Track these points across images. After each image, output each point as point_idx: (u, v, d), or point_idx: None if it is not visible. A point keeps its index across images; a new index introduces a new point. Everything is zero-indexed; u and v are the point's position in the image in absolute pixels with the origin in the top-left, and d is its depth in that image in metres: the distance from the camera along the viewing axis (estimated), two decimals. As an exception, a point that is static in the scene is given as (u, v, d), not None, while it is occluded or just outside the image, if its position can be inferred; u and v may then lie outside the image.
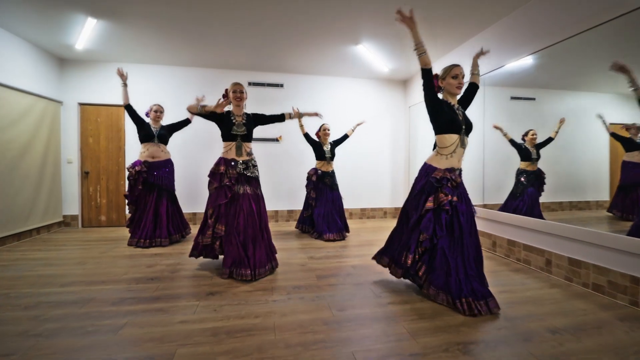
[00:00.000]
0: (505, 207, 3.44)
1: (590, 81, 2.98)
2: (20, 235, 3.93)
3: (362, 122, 4.58)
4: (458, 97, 2.33)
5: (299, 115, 3.47)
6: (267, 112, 5.12)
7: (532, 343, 1.72)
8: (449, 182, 2.16)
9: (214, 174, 2.77)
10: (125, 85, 3.63)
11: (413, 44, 2.17)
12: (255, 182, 2.85)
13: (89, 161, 4.89)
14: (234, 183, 2.72)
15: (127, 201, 3.71)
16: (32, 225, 4.11)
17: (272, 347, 1.67)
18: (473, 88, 2.41)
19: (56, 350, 1.64)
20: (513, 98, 3.60)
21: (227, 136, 2.77)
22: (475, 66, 2.47)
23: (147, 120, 3.82)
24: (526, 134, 3.32)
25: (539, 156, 3.24)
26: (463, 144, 2.20)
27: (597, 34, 2.49)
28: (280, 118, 3.12)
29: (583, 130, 2.98)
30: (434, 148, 2.35)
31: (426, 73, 2.17)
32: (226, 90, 2.79)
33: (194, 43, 4.13)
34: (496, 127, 3.57)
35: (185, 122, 4.04)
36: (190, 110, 2.73)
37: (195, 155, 5.08)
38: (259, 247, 2.69)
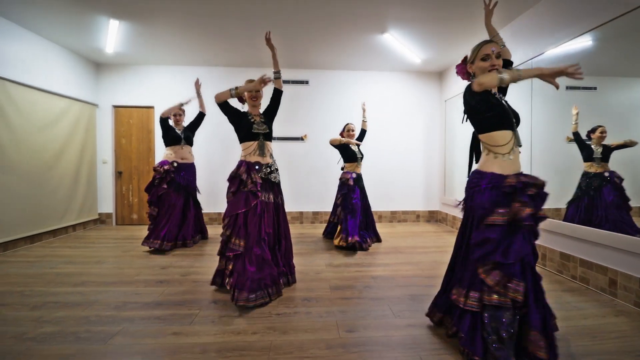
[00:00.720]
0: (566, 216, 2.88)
1: None
2: (55, 232, 4.14)
3: (363, 105, 4.02)
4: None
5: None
6: (294, 110, 4.98)
7: (591, 395, 1.32)
8: (528, 187, 1.49)
9: (233, 178, 2.36)
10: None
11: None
12: (277, 188, 2.51)
13: (122, 161, 5.07)
14: (259, 190, 2.31)
15: (148, 199, 3.67)
16: (67, 222, 4.32)
17: (262, 374, 1.46)
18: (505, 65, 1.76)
19: (45, 357, 1.56)
20: (569, 88, 2.99)
21: (247, 136, 2.40)
22: (492, 32, 1.87)
23: (170, 123, 3.76)
24: (593, 131, 2.74)
25: (604, 156, 2.65)
26: (519, 142, 1.63)
27: None
28: (276, 94, 2.59)
29: None
30: (476, 152, 1.78)
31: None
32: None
33: (214, 42, 4.08)
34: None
35: (201, 117, 3.94)
36: (220, 98, 2.36)
37: (215, 156, 5.06)
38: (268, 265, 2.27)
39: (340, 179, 3.77)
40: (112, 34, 3.75)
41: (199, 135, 4.27)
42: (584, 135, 2.80)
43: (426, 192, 5.42)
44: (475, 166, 1.72)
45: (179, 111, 3.78)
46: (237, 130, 2.46)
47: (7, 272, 2.80)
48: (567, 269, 2.70)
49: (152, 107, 5.01)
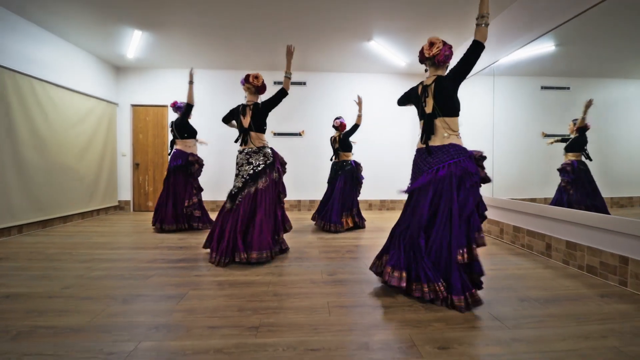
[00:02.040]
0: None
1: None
2: (83, 215, 4.73)
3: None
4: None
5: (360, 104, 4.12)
6: (292, 110, 5.52)
7: (495, 306, 1.86)
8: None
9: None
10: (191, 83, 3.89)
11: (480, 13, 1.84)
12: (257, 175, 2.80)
13: (139, 154, 5.66)
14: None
15: (195, 198, 3.94)
16: (93, 207, 4.91)
17: (263, 295, 2.01)
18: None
19: (96, 289, 2.12)
20: (544, 88, 3.35)
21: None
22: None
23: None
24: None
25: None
26: None
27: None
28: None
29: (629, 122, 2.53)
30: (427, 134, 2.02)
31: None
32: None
33: (221, 47, 4.65)
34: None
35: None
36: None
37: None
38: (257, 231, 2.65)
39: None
40: (134, 42, 4.33)
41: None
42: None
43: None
44: (435, 143, 1.97)
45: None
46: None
47: (53, 242, 3.38)
48: (518, 239, 3.24)
49: (166, 106, 5.59)
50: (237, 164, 2.86)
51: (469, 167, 1.87)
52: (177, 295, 2.00)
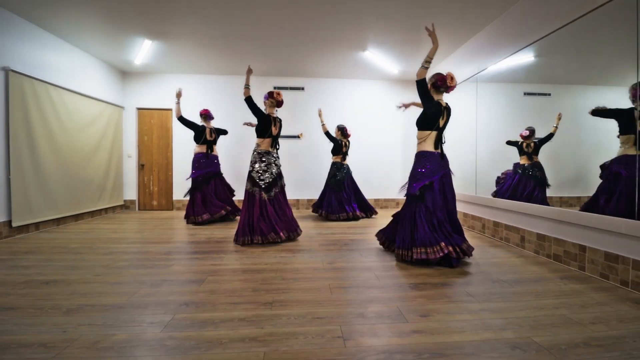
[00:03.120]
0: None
1: (613, 75, 2.69)
2: (93, 213, 4.99)
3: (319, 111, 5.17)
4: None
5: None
6: (292, 112, 5.86)
7: (470, 286, 2.20)
8: None
9: None
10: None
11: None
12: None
13: (144, 155, 5.91)
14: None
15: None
16: (101, 205, 5.16)
17: (273, 279, 2.32)
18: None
19: (125, 276, 2.41)
20: (527, 94, 3.64)
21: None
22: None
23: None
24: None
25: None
26: None
27: (598, 20, 2.52)
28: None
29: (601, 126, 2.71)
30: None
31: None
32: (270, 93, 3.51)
33: (226, 54, 4.95)
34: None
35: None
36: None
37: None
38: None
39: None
40: (143, 50, 4.60)
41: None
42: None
43: (404, 182, 6.30)
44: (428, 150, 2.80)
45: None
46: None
47: (70, 238, 3.64)
48: (497, 233, 3.59)
49: (170, 110, 5.86)
50: (261, 160, 3.40)
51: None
52: (198, 280, 2.30)
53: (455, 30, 3.99)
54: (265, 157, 3.41)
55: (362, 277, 2.38)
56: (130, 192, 5.88)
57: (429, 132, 2.73)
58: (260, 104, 3.84)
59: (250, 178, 3.40)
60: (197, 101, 5.70)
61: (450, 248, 2.55)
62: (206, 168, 4.63)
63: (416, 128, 2.87)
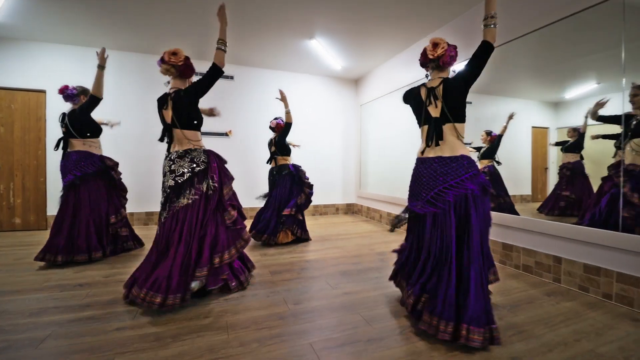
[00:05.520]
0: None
1: (517, 88, 3.30)
2: None
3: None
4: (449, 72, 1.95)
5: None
6: (218, 105, 4.77)
7: (476, 320, 1.84)
8: None
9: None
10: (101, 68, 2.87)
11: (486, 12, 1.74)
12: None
13: (-2, 154, 4.17)
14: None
15: (123, 211, 3.23)
16: None
17: (225, 347, 1.56)
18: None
19: (-50, 375, 1.34)
20: None
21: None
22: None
23: None
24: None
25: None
26: None
27: (521, 45, 2.79)
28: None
29: (511, 132, 3.26)
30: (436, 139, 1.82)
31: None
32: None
33: (133, 26, 3.76)
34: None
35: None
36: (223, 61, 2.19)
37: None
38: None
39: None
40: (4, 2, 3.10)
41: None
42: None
43: (344, 187, 5.98)
44: (445, 152, 1.78)
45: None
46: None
47: None
48: (455, 241, 3.45)
49: (43, 91, 4.25)
50: (162, 173, 2.24)
51: (484, 182, 1.73)
52: (97, 368, 1.39)
53: (408, 27, 3.74)
54: (164, 163, 2.24)
55: (348, 324, 1.79)
56: (-25, 207, 4.07)
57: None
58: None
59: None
60: (81, 81, 4.24)
61: None
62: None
63: (453, 121, 1.80)
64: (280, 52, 4.58)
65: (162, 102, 2.23)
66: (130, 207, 4.19)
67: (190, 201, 2.12)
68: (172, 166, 2.15)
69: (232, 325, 1.77)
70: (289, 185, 3.75)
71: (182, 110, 2.15)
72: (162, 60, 2.18)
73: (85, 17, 3.56)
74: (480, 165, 3.43)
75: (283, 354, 1.50)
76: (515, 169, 3.29)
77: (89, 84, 3.11)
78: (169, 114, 2.17)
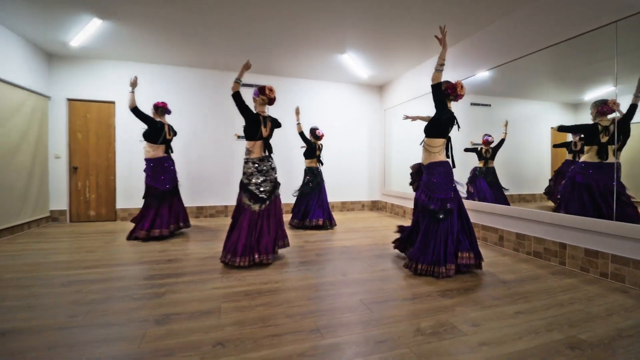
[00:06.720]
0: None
1: (537, 91, 3.64)
2: (13, 229, 3.95)
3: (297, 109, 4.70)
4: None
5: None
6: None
7: (488, 289, 2.31)
8: None
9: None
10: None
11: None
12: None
13: (77, 156, 4.92)
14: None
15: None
16: (23, 219, 4.14)
17: (298, 300, 2.10)
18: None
19: (114, 310, 1.94)
20: (473, 104, 4.19)
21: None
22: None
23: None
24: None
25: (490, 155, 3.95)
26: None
27: (542, 55, 3.13)
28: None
29: (531, 134, 3.65)
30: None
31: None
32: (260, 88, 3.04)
33: (191, 45, 4.39)
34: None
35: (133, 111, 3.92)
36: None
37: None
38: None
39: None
40: (87, 30, 3.80)
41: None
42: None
43: (369, 185, 6.46)
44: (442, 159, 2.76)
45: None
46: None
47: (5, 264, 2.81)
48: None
49: (112, 102, 4.99)
50: (258, 170, 2.98)
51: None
52: (212, 309, 1.96)
53: (429, 42, 4.19)
54: (261, 165, 3.01)
55: (388, 287, 2.31)
56: (59, 201, 4.84)
57: (442, 140, 2.70)
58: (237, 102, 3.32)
59: (246, 191, 2.95)
60: (146, 94, 4.94)
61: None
62: (173, 179, 4.06)
63: (425, 136, 2.81)
64: (313, 64, 5.13)
65: (264, 121, 3.03)
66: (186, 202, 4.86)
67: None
68: (272, 164, 3.10)
69: (298, 288, 2.32)
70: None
71: (272, 130, 3.15)
72: (261, 92, 3.01)
73: (151, 38, 4.23)
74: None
75: (340, 306, 2.03)
76: (536, 168, 3.62)
77: (150, 97, 3.94)
78: (267, 131, 3.05)
